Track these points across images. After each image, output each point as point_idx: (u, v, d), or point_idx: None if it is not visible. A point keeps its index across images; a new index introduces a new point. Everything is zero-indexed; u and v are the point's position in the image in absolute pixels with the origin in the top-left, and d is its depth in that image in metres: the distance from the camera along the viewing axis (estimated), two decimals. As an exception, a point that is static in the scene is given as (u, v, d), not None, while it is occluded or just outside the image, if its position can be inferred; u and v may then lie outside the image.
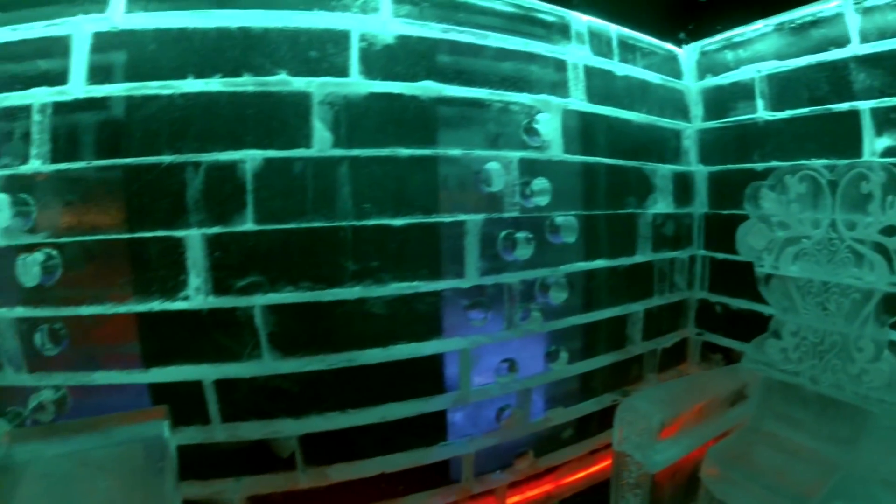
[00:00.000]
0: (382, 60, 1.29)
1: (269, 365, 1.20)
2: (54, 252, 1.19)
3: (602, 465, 1.69)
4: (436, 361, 1.32)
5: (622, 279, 1.64)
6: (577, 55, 1.57)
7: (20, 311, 1.21)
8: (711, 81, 1.85)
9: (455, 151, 1.33)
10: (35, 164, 1.19)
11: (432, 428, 1.37)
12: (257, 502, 1.28)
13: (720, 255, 1.81)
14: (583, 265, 1.54)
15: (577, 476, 1.69)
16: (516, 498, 1.58)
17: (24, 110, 1.19)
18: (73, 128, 1.20)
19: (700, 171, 1.86)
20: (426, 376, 1.33)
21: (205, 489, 1.23)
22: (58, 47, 1.19)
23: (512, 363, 1.43)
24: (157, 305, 1.18)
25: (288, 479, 1.27)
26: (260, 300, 1.18)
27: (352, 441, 1.29)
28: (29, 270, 1.18)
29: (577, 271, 1.53)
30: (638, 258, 1.69)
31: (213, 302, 1.18)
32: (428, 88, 1.32)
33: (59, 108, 1.18)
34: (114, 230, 1.18)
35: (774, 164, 1.63)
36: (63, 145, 1.19)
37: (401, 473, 1.36)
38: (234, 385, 1.21)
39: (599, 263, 1.58)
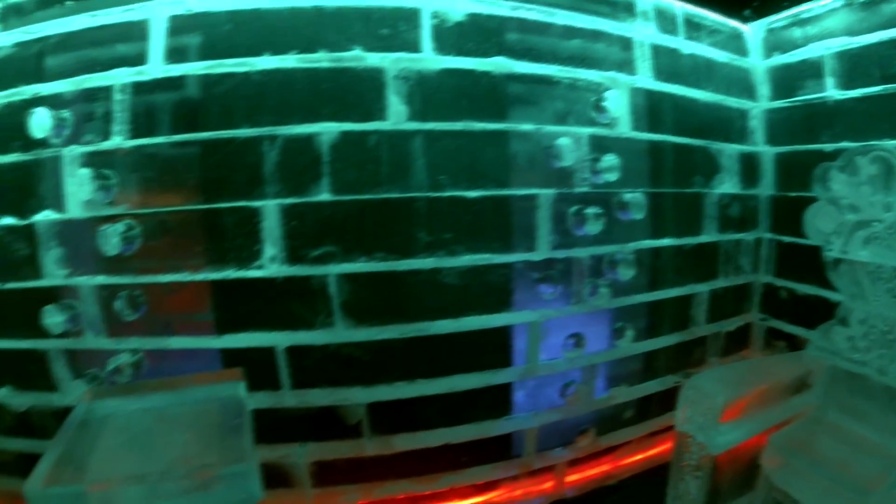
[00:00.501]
0: (454, 37, 1.28)
1: (341, 333, 1.21)
2: (134, 223, 1.23)
3: (661, 447, 1.65)
4: (505, 334, 1.31)
5: (688, 259, 1.60)
6: (642, 33, 1.54)
7: (101, 279, 1.25)
8: (778, 59, 1.78)
9: (527, 126, 1.32)
10: (116, 141, 1.22)
11: (497, 401, 1.36)
12: (322, 468, 1.30)
13: (787, 238, 1.74)
14: (650, 243, 1.50)
15: (637, 457, 1.65)
16: (575, 476, 1.56)
17: (106, 90, 1.23)
18: (152, 106, 1.23)
19: (767, 151, 1.80)
20: (495, 349, 1.31)
21: (272, 453, 1.26)
22: (136, 31, 1.22)
23: (579, 338, 1.40)
24: (231, 274, 1.21)
25: (353, 446, 1.29)
26: (334, 269, 1.19)
27: (418, 411, 1.29)
28: (110, 240, 1.22)
29: (645, 249, 1.50)
30: (703, 238, 1.64)
31: (288, 271, 1.19)
32: (499, 65, 1.31)
33: (139, 87, 1.22)
34: (191, 202, 1.21)
35: (844, 144, 1.56)
36: (143, 122, 1.22)
37: (464, 445, 1.35)
38: (305, 352, 1.23)
39: (666, 242, 1.54)
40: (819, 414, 1.26)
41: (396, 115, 1.21)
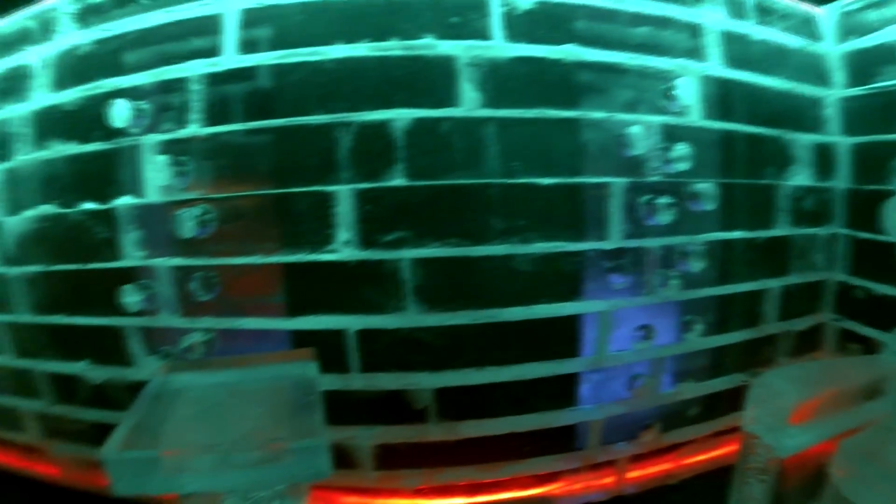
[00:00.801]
0: (523, 25, 1.27)
1: (412, 317, 1.21)
2: (209, 207, 1.25)
3: (726, 449, 1.59)
4: (574, 323, 1.28)
5: (759, 253, 1.54)
6: (712, 18, 1.49)
7: (177, 261, 1.29)
8: (854, 44, 1.69)
9: (598, 114, 1.29)
10: (192, 129, 1.25)
11: (563, 391, 1.33)
12: (386, 451, 1.30)
13: (864, 235, 1.65)
14: (721, 235, 1.45)
15: (699, 457, 1.59)
16: (636, 473, 1.52)
17: (182, 82, 1.26)
18: (226, 95, 1.26)
19: (842, 142, 1.71)
20: (564, 338, 1.28)
21: (338, 434, 1.27)
22: (209, 25, 1.25)
23: (648, 330, 1.36)
24: (304, 257, 1.22)
25: (418, 430, 1.28)
26: (407, 254, 1.19)
27: (484, 398, 1.27)
28: (185, 224, 1.25)
29: (715, 240, 1.45)
30: (776, 232, 1.57)
31: (361, 255, 1.19)
32: (569, 52, 1.29)
33: (213, 78, 1.24)
34: (265, 186, 1.23)
35: (926, 134, 1.48)
36: (217, 111, 1.25)
37: (528, 434, 1.33)
38: (375, 336, 1.22)
39: (737, 234, 1.49)
40: (893, 422, 1.19)
41: (469, 102, 1.20)
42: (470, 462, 1.33)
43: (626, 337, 1.35)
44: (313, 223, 1.20)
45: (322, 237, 1.20)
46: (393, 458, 1.31)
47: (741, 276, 1.51)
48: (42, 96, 1.44)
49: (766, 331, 1.59)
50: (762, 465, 1.19)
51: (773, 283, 1.59)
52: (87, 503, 1.66)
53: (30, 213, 1.49)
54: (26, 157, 1.47)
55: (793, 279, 1.63)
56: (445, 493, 1.38)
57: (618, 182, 1.28)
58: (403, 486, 1.35)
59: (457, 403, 1.27)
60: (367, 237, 1.19)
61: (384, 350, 1.23)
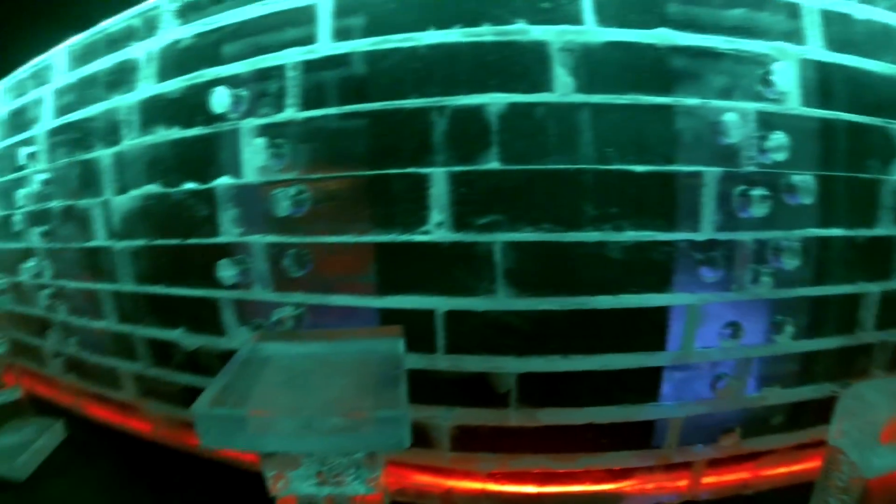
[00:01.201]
0: (615, 9, 1.23)
1: (502, 301, 1.20)
2: (304, 187, 1.29)
3: (808, 463, 1.49)
4: (662, 315, 1.24)
5: (859, 253, 1.43)
6: (811, -2, 1.40)
7: (272, 238, 1.34)
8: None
9: (692, 101, 1.24)
10: (289, 113, 1.29)
11: (646, 386, 1.29)
12: (465, 432, 1.31)
13: (977, 237, 1.53)
14: (818, 231, 1.36)
15: (779, 469, 1.51)
16: (711, 479, 1.46)
17: (279, 69, 1.31)
18: (321, 81, 1.29)
19: (956, 135, 1.58)
20: (651, 330, 1.24)
21: (418, 413, 1.28)
22: (304, 15, 1.29)
23: (736, 328, 1.30)
24: (397, 238, 1.23)
25: (498, 415, 1.27)
26: (500, 237, 1.19)
27: (566, 387, 1.25)
28: (281, 203, 1.29)
29: (812, 237, 1.36)
30: (878, 231, 1.46)
31: (454, 237, 1.20)
32: (662, 37, 1.24)
33: (309, 65, 1.28)
34: (359, 168, 1.25)
35: None
36: (313, 96, 1.28)
37: (607, 427, 1.30)
38: (464, 317, 1.22)
39: (836, 232, 1.39)
40: None
41: (563, 87, 1.18)
42: (545, 451, 1.31)
43: (714, 334, 1.29)
44: (407, 204, 1.22)
45: (415, 218, 1.21)
46: (469, 441, 1.32)
47: (838, 278, 1.41)
48: (147, 87, 1.53)
49: (862, 339, 1.49)
50: (845, 484, 1.10)
51: (873, 288, 1.48)
52: (176, 459, 1.76)
53: (135, 193, 1.58)
54: (133, 141, 1.57)
55: (895, 284, 1.52)
56: (517, 479, 1.37)
57: (711, 171, 1.23)
58: (477, 469, 1.35)
59: (539, 390, 1.26)
60: (461, 219, 1.19)
61: (471, 332, 1.23)
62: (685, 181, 1.21)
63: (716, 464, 1.42)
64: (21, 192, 2.03)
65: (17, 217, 2.09)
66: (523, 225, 1.17)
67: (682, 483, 1.42)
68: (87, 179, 1.71)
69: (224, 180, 1.38)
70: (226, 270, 1.39)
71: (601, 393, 1.27)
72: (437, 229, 1.20)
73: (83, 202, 1.74)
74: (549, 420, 1.27)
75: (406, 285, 1.24)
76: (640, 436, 1.33)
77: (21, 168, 2.00)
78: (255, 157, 1.33)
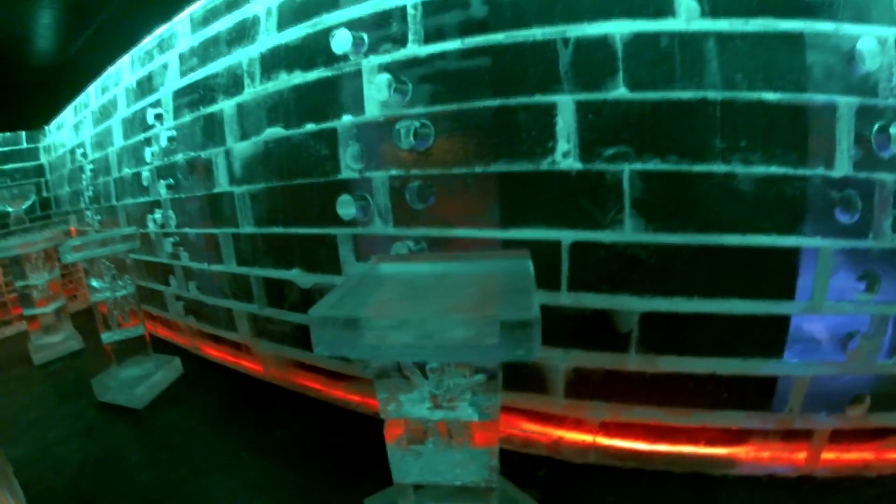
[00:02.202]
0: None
1: (629, 233, 1.14)
2: (427, 122, 1.28)
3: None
4: (791, 260, 1.12)
5: None
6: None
7: (394, 171, 1.33)
8: None
9: (824, 26, 1.13)
10: (411, 49, 1.27)
11: (770, 338, 1.17)
12: (580, 377, 1.25)
13: None
14: (971, 175, 1.21)
15: (908, 453, 1.35)
16: (831, 455, 1.28)
17: (401, 9, 1.29)
18: (442, 16, 1.25)
19: None
20: (779, 276, 1.13)
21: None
22: None
23: (873, 279, 1.15)
24: (522, 168, 1.19)
25: (616, 359, 1.21)
26: (627, 167, 1.12)
27: (687, 333, 1.17)
28: (405, 137, 1.28)
29: (964, 182, 1.21)
30: None
31: (580, 167, 1.15)
32: (793, -45, 1.13)
33: (428, 3, 1.25)
34: (483, 99, 1.21)
35: None
36: (434, 31, 1.25)
37: (726, 382, 1.20)
38: (590, 250, 1.16)
39: None
40: None
41: (688, 12, 1.10)
42: (660, 403, 1.23)
43: (847, 286, 1.15)
44: (533, 134, 1.17)
45: (541, 149, 1.17)
46: (584, 387, 1.26)
47: None
48: (268, 38, 1.57)
49: None
50: None
51: None
52: (282, 398, 1.82)
53: (257, 138, 1.64)
54: (255, 89, 1.62)
55: None
56: (628, 433, 1.29)
57: (847, 102, 1.11)
58: (589, 418, 1.29)
59: (660, 334, 1.18)
60: (587, 149, 1.14)
61: (596, 265, 1.17)
62: (817, 112, 1.10)
63: (838, 438, 1.27)
64: (149, 150, 2.17)
65: (146, 173, 2.23)
66: (650, 156, 1.11)
67: (801, 456, 1.26)
68: (210, 131, 1.79)
69: (346, 119, 1.39)
70: (346, 206, 1.41)
71: (723, 343, 1.17)
72: (563, 159, 1.16)
73: (206, 153, 1.83)
74: (669, 367, 1.19)
75: (531, 217, 1.19)
76: (760, 395, 1.21)
77: (149, 128, 2.13)
78: (377, 94, 1.33)
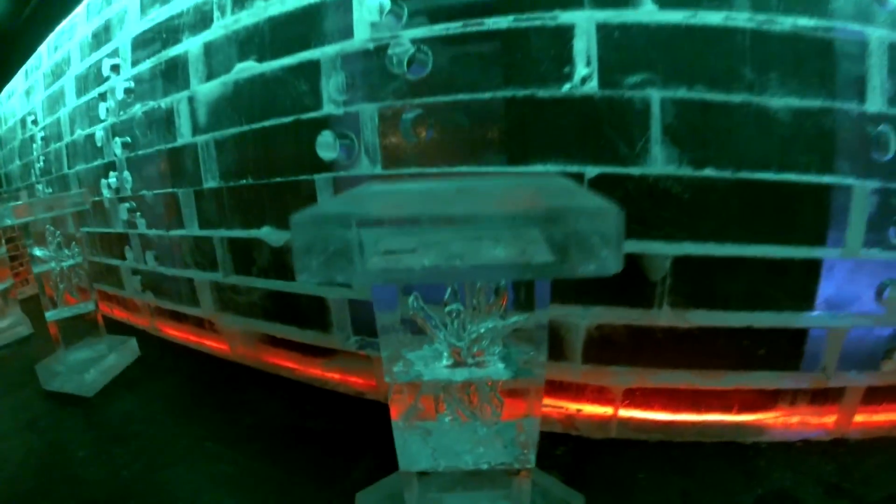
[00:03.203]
0: None
1: (660, 165, 0.96)
2: (426, 47, 1.08)
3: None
4: (826, 200, 0.97)
5: None
6: None
7: (385, 103, 1.13)
8: None
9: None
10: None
11: (803, 287, 1.02)
12: (602, 337, 1.07)
13: None
14: None
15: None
16: (861, 417, 1.18)
17: None
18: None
19: None
20: (813, 217, 0.98)
21: (552, 311, 1.03)
22: None
23: None
24: (535, 94, 1.00)
25: (644, 314, 1.03)
26: (656, 93, 0.95)
27: (720, 282, 1.01)
28: (399, 63, 1.10)
29: None
30: None
31: (603, 93, 0.97)
32: None
33: None
34: (492, 15, 1.02)
35: None
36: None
37: (757, 338, 1.04)
38: (616, 183, 0.98)
39: None
40: None
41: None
42: (690, 364, 1.06)
43: (885, 229, 1.02)
44: (550, 54, 0.98)
45: (557, 73, 0.98)
46: (607, 349, 1.07)
47: None
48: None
49: None
50: None
51: None
52: (250, 379, 1.59)
53: (226, 77, 1.41)
54: (225, 22, 1.39)
55: None
56: (654, 401, 1.11)
57: (877, 35, 0.97)
58: (612, 385, 1.10)
59: (693, 282, 1.01)
60: (609, 74, 0.96)
61: (624, 200, 0.98)
62: (848, 42, 0.95)
63: (872, 398, 1.14)
64: (104, 106, 1.90)
65: (100, 133, 1.95)
66: (677, 84, 0.93)
67: (831, 419, 1.15)
68: (173, 76, 1.55)
69: (330, 48, 1.18)
70: (326, 147, 1.19)
71: (756, 293, 1.01)
72: (582, 84, 0.97)
73: (167, 100, 1.58)
74: (701, 322, 1.02)
75: (546, 150, 1.00)
76: (792, 353, 1.07)
77: (105, 81, 1.86)
78: (368, 16, 1.12)
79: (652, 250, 0.98)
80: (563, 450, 1.07)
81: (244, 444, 1.19)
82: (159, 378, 1.63)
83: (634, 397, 1.09)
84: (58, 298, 1.61)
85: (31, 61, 2.47)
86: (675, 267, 0.98)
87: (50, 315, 1.61)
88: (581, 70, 0.95)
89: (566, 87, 0.96)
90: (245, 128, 1.36)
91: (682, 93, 0.94)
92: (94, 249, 2.21)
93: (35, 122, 2.51)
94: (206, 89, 1.44)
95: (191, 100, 1.49)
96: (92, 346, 1.71)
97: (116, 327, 2.04)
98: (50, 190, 2.47)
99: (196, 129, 1.49)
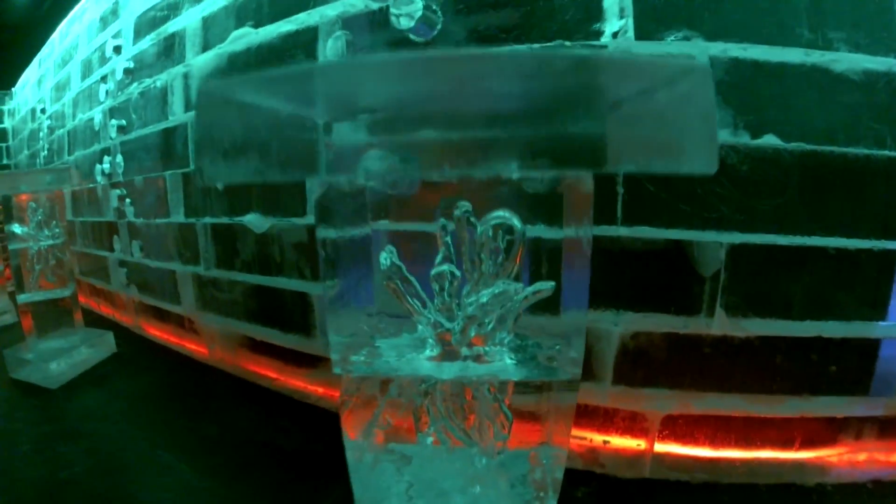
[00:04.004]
0: None
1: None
2: (435, 5, 0.93)
3: None
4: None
5: None
6: None
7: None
8: None
9: None
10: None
11: (874, 290, 0.82)
12: (639, 348, 0.86)
13: None
14: None
15: None
16: None
17: None
18: None
19: None
20: (885, 202, 0.79)
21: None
22: None
23: None
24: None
25: (689, 322, 0.83)
26: (700, 46, 0.78)
27: (780, 283, 0.81)
28: (406, 21, 0.93)
29: None
30: None
31: (638, 46, 0.80)
32: None
33: None
34: None
35: None
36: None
37: (830, 350, 0.83)
38: None
39: None
40: None
41: None
42: (744, 386, 0.85)
43: None
44: (573, 3, 0.83)
45: (586, 24, 0.82)
46: (642, 365, 0.87)
47: None
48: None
49: None
50: None
51: None
52: (223, 384, 1.42)
53: (220, 48, 1.27)
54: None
55: None
56: (694, 434, 0.89)
57: None
58: (648, 411, 0.89)
59: (749, 281, 0.81)
60: (645, 30, 0.79)
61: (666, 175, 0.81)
62: None
63: None
64: (104, 88, 1.79)
65: (98, 116, 1.84)
66: (723, 42, 0.76)
67: None
68: (169, 51, 1.43)
69: (330, 11, 1.03)
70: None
71: (821, 296, 0.82)
72: (614, 39, 0.80)
73: (162, 78, 1.45)
74: (760, 330, 0.82)
75: None
76: (861, 372, 0.87)
77: (107, 62, 1.76)
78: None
79: (704, 237, 0.78)
80: (584, 491, 0.85)
81: (202, 458, 1.01)
82: (131, 377, 1.48)
83: (675, 426, 0.88)
84: (32, 281, 1.46)
85: (45, 50, 2.40)
86: (732, 259, 0.78)
87: (22, 298, 1.46)
88: (613, 24, 0.78)
89: (596, 40, 0.79)
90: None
91: (732, 50, 0.76)
92: (85, 240, 2.08)
93: (43, 111, 2.43)
94: (200, 62, 1.31)
95: (185, 76, 1.36)
96: (66, 337, 1.58)
97: (102, 324, 1.89)
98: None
99: (188, 106, 1.36)
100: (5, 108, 3.03)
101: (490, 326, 0.43)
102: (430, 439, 0.47)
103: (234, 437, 1.11)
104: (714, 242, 0.79)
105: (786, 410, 0.86)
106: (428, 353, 0.45)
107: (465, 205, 0.39)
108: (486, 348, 0.43)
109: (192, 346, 1.59)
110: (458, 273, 0.41)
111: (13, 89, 2.97)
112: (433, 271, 0.41)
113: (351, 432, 0.45)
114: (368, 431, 0.46)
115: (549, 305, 0.43)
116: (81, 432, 1.14)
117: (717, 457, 0.88)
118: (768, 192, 0.77)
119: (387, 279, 0.43)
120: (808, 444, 0.90)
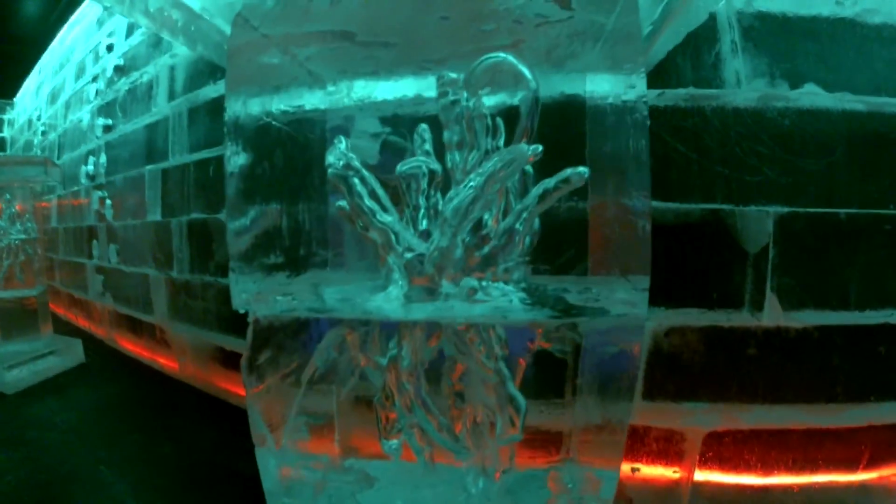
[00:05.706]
0: None
1: (742, 83, 0.68)
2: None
3: None
4: None
5: None
6: None
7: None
8: None
9: None
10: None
11: None
12: (673, 351, 0.72)
13: None
14: None
15: None
16: None
17: None
18: None
19: None
20: None
21: None
22: None
23: None
24: None
25: (730, 315, 0.69)
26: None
27: (833, 265, 0.68)
28: None
29: None
30: None
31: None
32: None
33: None
34: None
35: None
36: None
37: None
38: (688, 113, 0.69)
39: None
40: None
41: None
42: (795, 397, 0.70)
43: None
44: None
45: None
46: (676, 371, 0.71)
47: None
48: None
49: None
50: None
51: None
52: (188, 402, 1.28)
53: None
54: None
55: None
56: (743, 456, 0.73)
57: None
58: (686, 428, 0.73)
59: (803, 261, 0.68)
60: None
61: (698, 134, 0.68)
62: None
63: None
64: (93, 87, 1.71)
65: (86, 116, 1.76)
66: None
67: None
68: (159, 42, 1.35)
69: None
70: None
71: (877, 281, 0.68)
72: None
73: (149, 69, 1.37)
74: (815, 321, 0.68)
75: None
76: None
77: (99, 61, 1.69)
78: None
79: (747, 207, 0.65)
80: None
81: (148, 477, 0.88)
82: (92, 388, 1.36)
83: (720, 446, 0.72)
84: (-1, 277, 1.35)
85: (45, 57, 2.36)
86: (781, 231, 0.65)
87: (-15, 296, 1.34)
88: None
89: None
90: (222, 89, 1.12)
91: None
92: (66, 248, 1.97)
93: (39, 118, 2.36)
94: (187, 51, 1.22)
95: (172, 67, 1.28)
96: (31, 342, 1.46)
97: (75, 335, 1.75)
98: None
99: (172, 95, 1.26)
100: (5, 117, 2.99)
101: (494, 244, 0.28)
102: (395, 443, 0.31)
103: (190, 458, 0.96)
104: (759, 212, 0.65)
105: (847, 420, 0.71)
106: (395, 292, 0.30)
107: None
108: (485, 282, 0.28)
109: (164, 361, 1.45)
110: (437, 168, 0.27)
111: (14, 99, 2.93)
112: (401, 165, 0.28)
113: (259, 436, 0.30)
114: (287, 431, 0.31)
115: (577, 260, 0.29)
116: (23, 440, 1.04)
117: (768, 484, 0.72)
118: (814, 151, 0.65)
119: (335, 178, 0.29)
120: (878, 460, 0.73)
